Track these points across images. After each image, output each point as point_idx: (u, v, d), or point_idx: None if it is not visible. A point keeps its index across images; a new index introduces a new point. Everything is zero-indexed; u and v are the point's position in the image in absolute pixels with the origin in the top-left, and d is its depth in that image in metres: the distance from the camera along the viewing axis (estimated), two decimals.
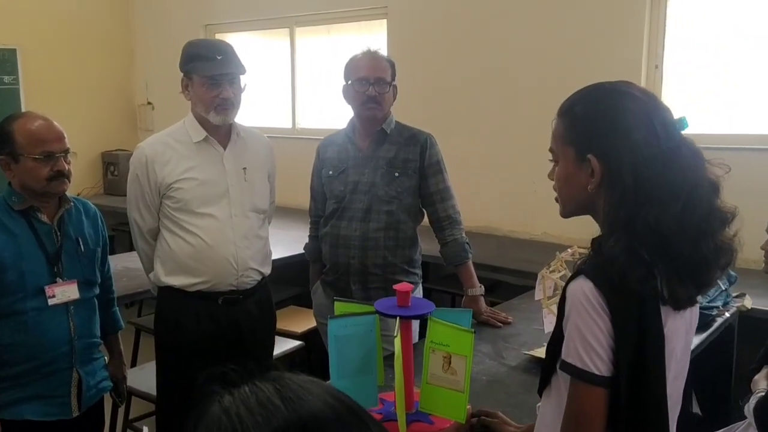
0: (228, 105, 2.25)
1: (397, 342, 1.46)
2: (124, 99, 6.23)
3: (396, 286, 1.58)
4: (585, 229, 1.28)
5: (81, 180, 5.90)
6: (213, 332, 2.31)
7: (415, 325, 2.13)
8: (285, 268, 3.25)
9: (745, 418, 1.95)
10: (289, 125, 5.27)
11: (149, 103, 6.17)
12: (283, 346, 3.11)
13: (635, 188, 1.09)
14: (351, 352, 1.53)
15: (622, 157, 1.10)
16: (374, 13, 4.68)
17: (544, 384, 1.22)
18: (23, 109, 5.22)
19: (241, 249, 2.31)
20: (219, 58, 2.22)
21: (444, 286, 3.76)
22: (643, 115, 1.11)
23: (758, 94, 3.40)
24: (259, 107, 5.32)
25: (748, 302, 2.69)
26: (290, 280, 3.66)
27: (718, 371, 2.89)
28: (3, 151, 1.97)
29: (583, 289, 1.09)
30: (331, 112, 4.81)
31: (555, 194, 1.24)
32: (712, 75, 3.54)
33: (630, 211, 1.09)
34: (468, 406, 1.62)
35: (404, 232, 2.47)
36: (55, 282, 2.00)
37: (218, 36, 5.56)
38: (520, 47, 3.99)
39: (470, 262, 2.52)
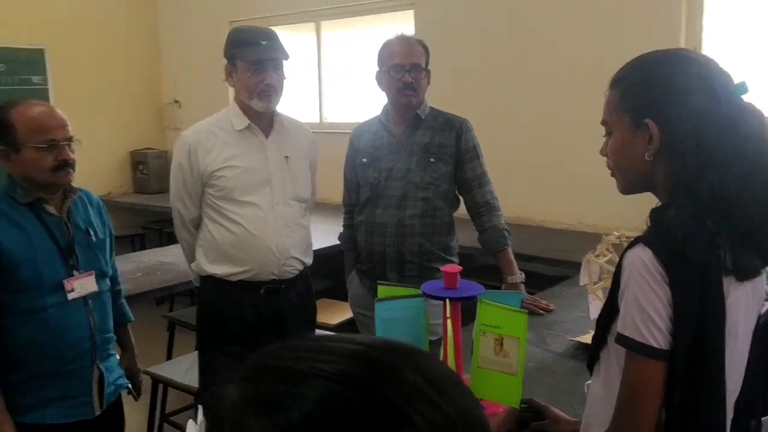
0: (271, 91, 2.23)
1: (449, 323, 1.42)
2: (151, 97, 6.25)
3: (443, 268, 1.54)
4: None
5: (110, 179, 5.95)
6: (255, 322, 2.30)
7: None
8: (319, 259, 3.22)
9: None
10: (317, 119, 5.25)
11: (176, 101, 6.19)
12: None
13: (697, 153, 1.04)
14: (399, 335, 1.48)
15: (681, 120, 1.05)
16: (401, 4, 4.63)
17: (593, 359, 1.17)
18: None
19: (283, 238, 2.29)
20: (264, 43, 2.21)
21: (478, 278, 3.69)
22: (703, 79, 1.07)
23: None
24: (286, 102, 5.30)
25: None
26: (321, 273, 3.63)
27: None
28: (1, 141, 1.83)
29: (642, 257, 1.04)
30: (359, 105, 4.78)
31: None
32: (754, 58, 3.43)
33: (692, 177, 1.04)
34: None
35: (440, 219, 2.42)
36: (72, 275, 1.89)
37: None
38: (552, 33, 3.91)
39: (509, 249, 2.46)
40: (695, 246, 1.02)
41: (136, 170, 6.04)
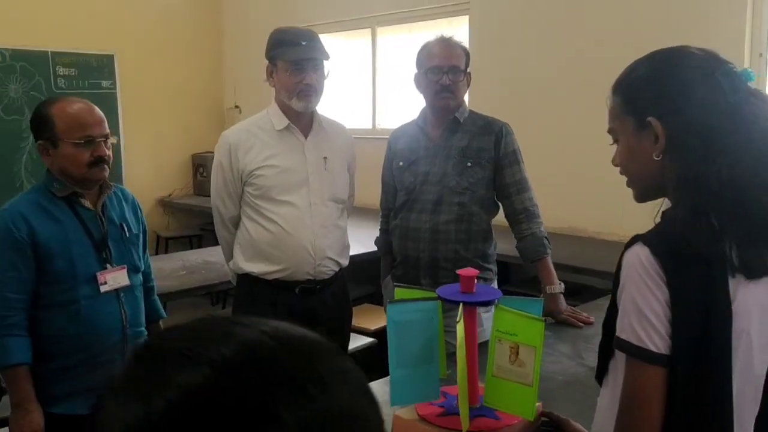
0: (311, 91, 2.24)
1: (460, 328, 1.37)
2: (213, 102, 6.44)
3: (460, 271, 1.49)
4: None
5: (171, 181, 6.15)
6: (290, 322, 2.29)
7: (487, 323, 2.03)
8: (361, 264, 3.21)
9: None
10: (370, 125, 5.26)
11: (236, 107, 6.34)
12: (356, 342, 3.08)
13: (704, 145, 0.99)
14: (411, 339, 1.44)
15: (685, 113, 1.01)
16: (456, 10, 4.62)
17: (602, 371, 1.10)
18: (120, 114, 5.50)
19: (319, 237, 2.29)
20: (304, 44, 2.24)
21: (528, 288, 3.60)
22: (704, 70, 1.03)
23: None
24: (339, 108, 5.35)
25: None
26: (366, 278, 3.62)
27: None
28: (42, 135, 1.89)
29: (639, 256, 0.98)
30: (411, 111, 4.76)
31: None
32: None
33: (699, 170, 0.99)
34: (538, 404, 1.50)
35: (477, 225, 2.37)
36: (105, 268, 1.94)
37: None
38: (609, 38, 3.79)
39: (549, 258, 2.38)
40: (695, 240, 0.95)
41: (196, 173, 6.21)
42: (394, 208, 2.51)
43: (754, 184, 0.97)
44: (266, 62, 2.32)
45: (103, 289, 1.91)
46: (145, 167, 5.89)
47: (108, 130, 1.96)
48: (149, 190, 5.97)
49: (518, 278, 3.73)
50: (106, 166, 1.94)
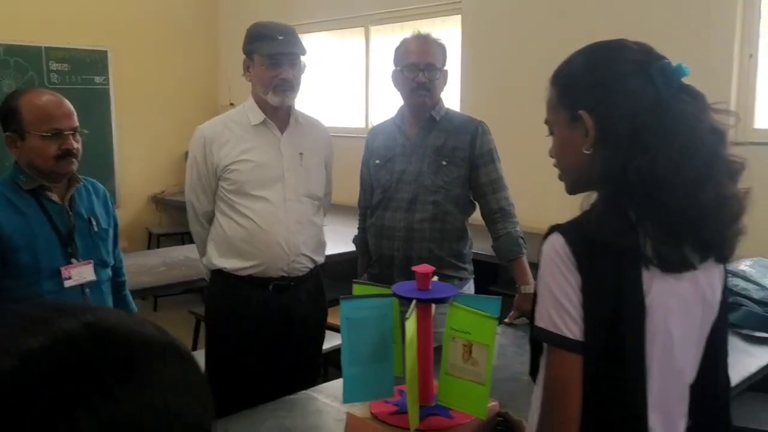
0: (287, 86, 2.23)
1: (409, 324, 1.35)
2: (207, 99, 6.43)
3: (415, 268, 1.48)
4: None
5: (164, 178, 6.14)
6: (263, 318, 2.29)
7: None
8: (341, 265, 3.19)
9: None
10: (363, 124, 5.24)
11: (231, 104, 6.32)
12: (333, 340, 3.05)
13: (631, 140, 0.98)
14: (365, 337, 1.43)
15: (615, 108, 1.00)
16: (448, 9, 4.60)
17: (534, 368, 1.09)
18: (113, 110, 5.51)
19: (293, 234, 2.28)
20: (280, 38, 2.22)
21: (513, 290, 3.56)
22: (637, 64, 1.02)
23: None
24: (333, 107, 5.34)
25: None
26: (347, 277, 3.60)
27: None
28: (9, 127, 1.86)
29: (554, 244, 0.99)
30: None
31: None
32: None
33: (623, 162, 0.98)
34: (494, 403, 1.49)
35: (451, 224, 2.35)
36: (70, 263, 1.90)
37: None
38: (600, 38, 3.74)
39: (524, 258, 2.36)
40: (608, 230, 0.96)
41: None
42: (371, 206, 2.50)
43: (675, 181, 0.96)
44: (243, 43, 2.31)
45: (67, 284, 1.88)
46: (138, 164, 5.90)
47: (77, 123, 1.92)
48: (142, 187, 5.98)
49: (505, 279, 3.71)
50: (74, 159, 1.91)
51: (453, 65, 4.43)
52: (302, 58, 2.28)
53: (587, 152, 1.04)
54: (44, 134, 1.84)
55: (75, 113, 1.93)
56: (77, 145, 1.92)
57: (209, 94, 6.45)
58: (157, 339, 0.47)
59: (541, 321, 1.00)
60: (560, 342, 0.97)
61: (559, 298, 0.97)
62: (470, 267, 2.46)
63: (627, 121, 1.00)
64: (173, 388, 0.44)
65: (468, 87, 4.43)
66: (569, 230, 0.99)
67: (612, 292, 0.96)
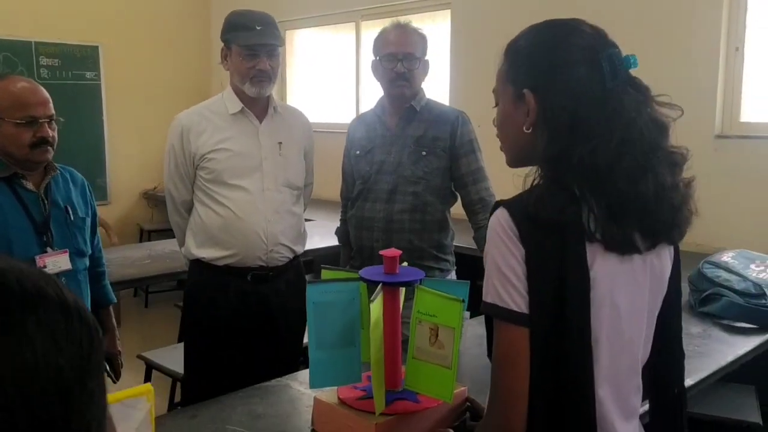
0: (264, 77, 2.22)
1: (374, 307, 1.35)
2: (199, 95, 6.31)
3: (382, 252, 1.47)
4: None
5: (157, 174, 6.09)
6: (241, 309, 2.28)
7: None
8: (331, 257, 3.18)
9: None
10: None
11: None
12: None
13: (571, 126, 0.99)
14: (331, 321, 1.42)
15: (558, 94, 1.01)
16: (438, 4, 4.61)
17: (490, 347, 1.09)
18: (104, 105, 5.49)
19: (271, 223, 2.27)
20: (258, 28, 2.21)
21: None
22: (588, 51, 1.03)
23: None
24: (323, 102, 5.34)
25: None
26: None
27: None
28: None
29: (498, 219, 1.00)
30: None
31: None
32: None
33: (563, 148, 0.99)
34: (463, 388, 1.48)
35: (431, 215, 2.35)
36: (45, 252, 1.89)
37: (289, 32, 5.64)
38: None
39: None
40: (551, 204, 0.97)
41: None
42: (352, 197, 2.50)
43: (614, 170, 0.97)
44: (221, 31, 2.31)
45: None
46: (130, 160, 5.89)
47: (53, 111, 1.91)
48: (133, 183, 5.97)
49: None
50: (49, 147, 1.90)
51: (443, 60, 4.46)
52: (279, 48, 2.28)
53: (527, 131, 1.04)
54: (18, 121, 1.83)
55: (50, 101, 1.91)
56: (53, 133, 1.90)
57: (201, 89, 6.42)
58: (43, 292, 0.47)
59: (488, 296, 1.00)
60: (506, 315, 0.98)
61: (505, 271, 0.98)
62: (452, 258, 2.46)
63: (568, 110, 1.00)
64: (42, 336, 0.44)
65: (457, 81, 4.43)
66: (513, 205, 1.00)
67: (556, 264, 0.96)
